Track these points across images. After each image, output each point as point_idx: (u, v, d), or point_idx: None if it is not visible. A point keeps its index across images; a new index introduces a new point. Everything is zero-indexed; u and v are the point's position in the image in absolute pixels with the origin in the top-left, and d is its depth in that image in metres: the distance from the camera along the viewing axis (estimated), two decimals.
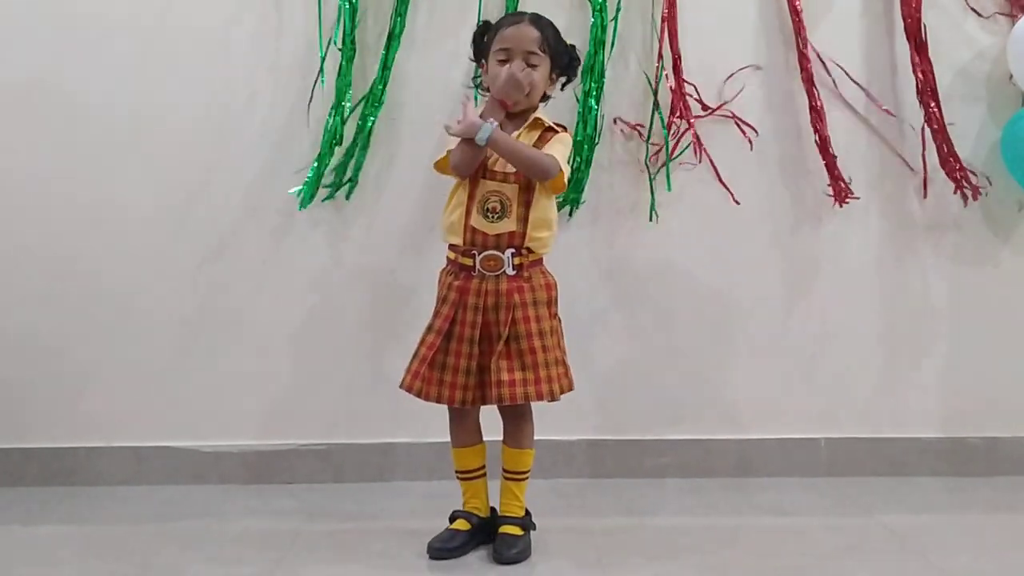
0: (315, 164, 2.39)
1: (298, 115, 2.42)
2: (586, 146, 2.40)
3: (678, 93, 2.40)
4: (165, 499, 2.37)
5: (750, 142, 2.45)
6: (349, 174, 2.41)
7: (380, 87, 2.38)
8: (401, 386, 1.96)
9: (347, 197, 2.43)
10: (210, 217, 2.45)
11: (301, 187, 2.40)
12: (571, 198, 2.42)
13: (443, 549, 1.96)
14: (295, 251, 2.46)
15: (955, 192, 2.44)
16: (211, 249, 2.45)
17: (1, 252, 2.45)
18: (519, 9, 2.33)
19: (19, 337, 2.46)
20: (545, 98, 2.02)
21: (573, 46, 2.03)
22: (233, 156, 2.44)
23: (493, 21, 2.03)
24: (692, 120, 2.40)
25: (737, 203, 2.44)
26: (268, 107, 2.42)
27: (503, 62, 1.93)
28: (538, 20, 1.97)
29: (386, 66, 2.38)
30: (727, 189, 2.45)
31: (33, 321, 2.46)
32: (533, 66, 1.92)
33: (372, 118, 2.39)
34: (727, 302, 2.49)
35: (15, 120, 2.44)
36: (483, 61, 2.01)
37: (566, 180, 1.96)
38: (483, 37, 2.01)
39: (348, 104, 2.38)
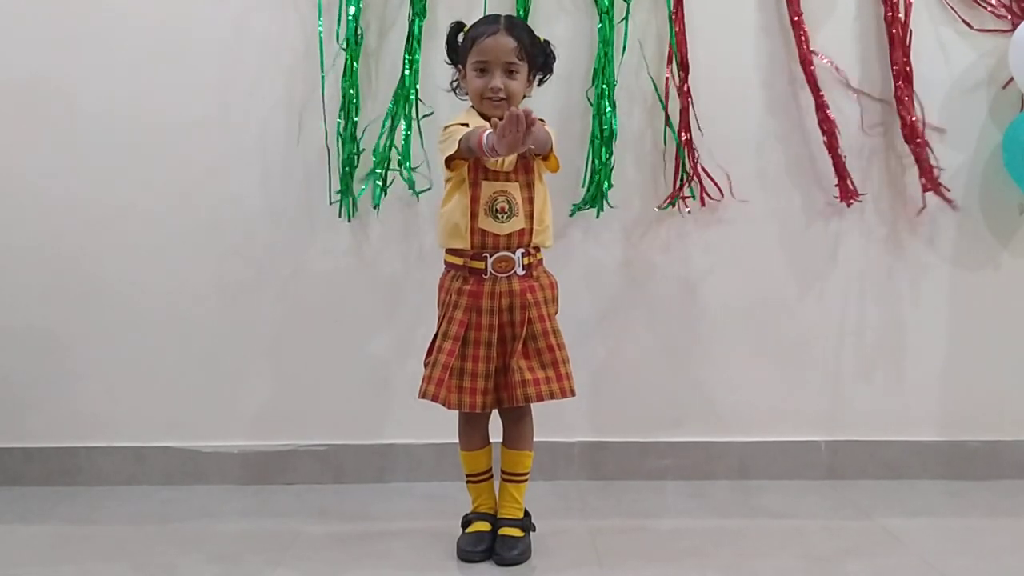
0: (343, 168, 2.39)
1: (300, 115, 2.42)
2: (604, 149, 2.40)
3: (689, 150, 2.42)
4: (165, 499, 2.37)
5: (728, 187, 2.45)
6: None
7: (413, 93, 2.38)
8: (423, 396, 1.94)
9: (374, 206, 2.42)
10: (212, 217, 2.45)
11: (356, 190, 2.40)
12: (597, 201, 2.42)
13: (475, 552, 1.96)
14: (296, 252, 2.46)
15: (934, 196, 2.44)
16: (212, 249, 2.46)
17: (2, 251, 2.45)
18: (529, 10, 2.35)
19: (20, 336, 2.47)
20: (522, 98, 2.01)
21: (547, 41, 2.00)
22: (235, 156, 2.44)
23: (466, 23, 2.00)
24: (699, 168, 2.43)
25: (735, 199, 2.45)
26: (271, 107, 2.42)
27: (482, 72, 1.92)
28: (512, 26, 1.94)
29: (412, 69, 2.37)
30: (717, 183, 2.45)
31: (34, 320, 2.46)
32: (512, 73, 1.92)
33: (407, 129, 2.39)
34: (728, 304, 2.49)
35: (18, 119, 2.44)
36: (460, 65, 2.00)
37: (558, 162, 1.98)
38: (456, 37, 2.00)
39: (356, 104, 2.38)
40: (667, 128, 2.42)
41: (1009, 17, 2.44)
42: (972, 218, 2.49)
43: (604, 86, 2.39)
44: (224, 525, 2.20)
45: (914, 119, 2.40)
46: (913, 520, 2.20)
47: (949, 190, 2.44)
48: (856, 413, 2.51)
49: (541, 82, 2.05)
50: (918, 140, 2.40)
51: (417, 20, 2.37)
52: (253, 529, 2.16)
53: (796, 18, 2.41)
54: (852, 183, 2.42)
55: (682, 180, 2.42)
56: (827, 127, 2.41)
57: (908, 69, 2.40)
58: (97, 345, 2.47)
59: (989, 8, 2.44)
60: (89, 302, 2.46)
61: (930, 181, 2.42)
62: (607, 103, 2.38)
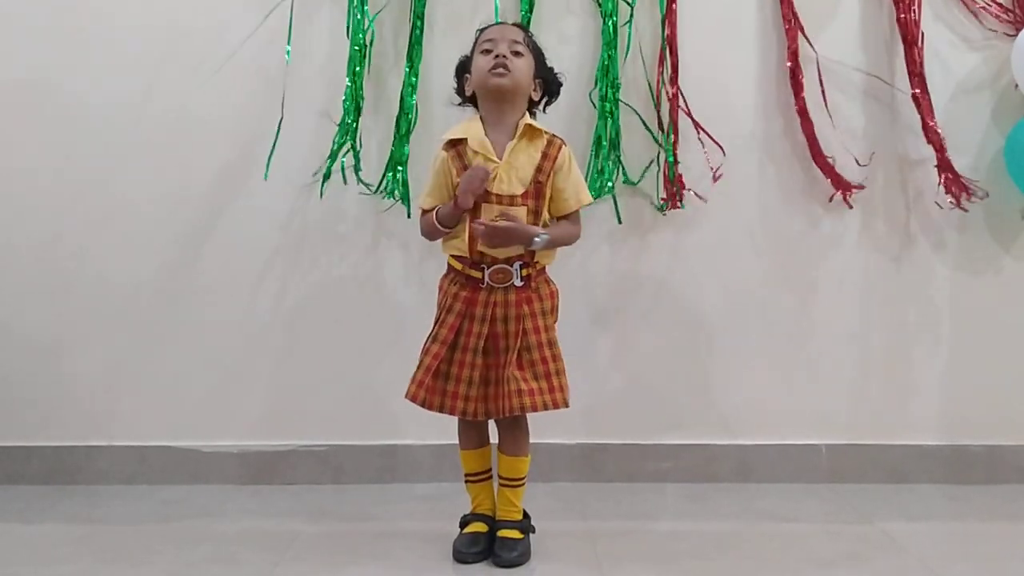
0: (331, 156, 2.39)
1: (304, 115, 2.43)
2: (613, 153, 2.40)
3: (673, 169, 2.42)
4: (165, 499, 2.37)
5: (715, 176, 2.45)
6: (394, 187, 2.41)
7: (411, 100, 2.38)
8: (406, 396, 1.95)
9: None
10: (214, 218, 2.45)
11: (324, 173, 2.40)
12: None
13: (469, 553, 1.95)
14: (297, 253, 2.46)
15: (952, 206, 2.44)
16: (213, 250, 2.46)
17: (4, 251, 2.46)
18: (533, 12, 2.37)
19: (21, 336, 2.47)
20: (532, 108, 2.00)
21: (553, 68, 2.03)
22: (237, 157, 2.44)
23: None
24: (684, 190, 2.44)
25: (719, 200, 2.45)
26: (274, 109, 2.42)
27: (487, 52, 1.92)
28: (520, 24, 2.03)
29: (413, 72, 2.38)
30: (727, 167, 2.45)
31: (35, 320, 2.46)
32: (517, 54, 1.92)
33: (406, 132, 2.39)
34: (728, 307, 2.49)
35: (21, 119, 2.44)
36: (466, 75, 1.99)
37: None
38: (464, 71, 2.00)
39: (360, 102, 2.39)
40: (660, 131, 2.43)
41: (1012, 21, 2.44)
42: (974, 222, 2.49)
43: (608, 88, 2.38)
44: (224, 525, 2.20)
45: (932, 122, 2.39)
46: (913, 524, 2.20)
47: (973, 193, 2.42)
48: (857, 417, 2.51)
49: (547, 105, 2.05)
50: (939, 142, 2.40)
51: (419, 24, 2.37)
52: (253, 529, 2.16)
53: (793, 20, 2.41)
54: (841, 179, 2.42)
55: (673, 183, 2.42)
56: (808, 130, 2.41)
57: (923, 71, 2.40)
58: (98, 344, 2.47)
59: (992, 13, 2.44)
60: (91, 301, 2.46)
61: (954, 182, 2.41)
62: (611, 105, 2.38)
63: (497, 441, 2.03)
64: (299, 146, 2.43)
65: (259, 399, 2.48)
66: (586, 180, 2.38)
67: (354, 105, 2.37)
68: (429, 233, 1.98)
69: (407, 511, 2.28)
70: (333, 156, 2.39)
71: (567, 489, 2.44)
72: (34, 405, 2.47)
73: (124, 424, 2.47)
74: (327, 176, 2.40)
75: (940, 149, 2.40)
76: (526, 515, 2.04)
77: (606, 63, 2.40)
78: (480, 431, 2.04)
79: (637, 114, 2.44)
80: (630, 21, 2.42)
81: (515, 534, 1.98)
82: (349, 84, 2.38)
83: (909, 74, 2.41)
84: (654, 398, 2.50)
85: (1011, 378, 2.51)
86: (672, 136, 2.41)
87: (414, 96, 2.39)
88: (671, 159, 2.41)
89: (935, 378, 2.51)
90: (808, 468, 2.49)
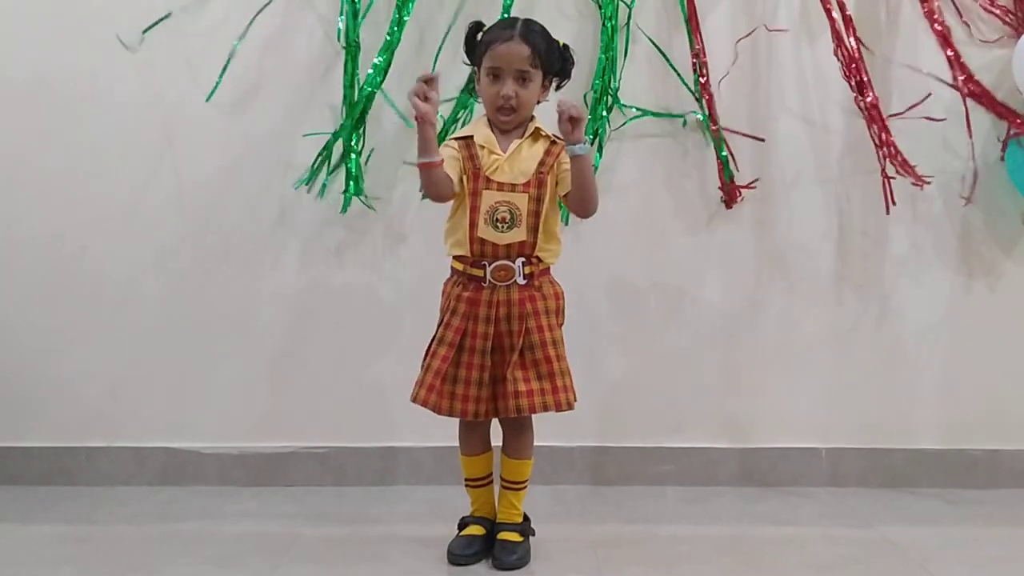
0: (320, 155, 2.40)
1: (305, 115, 2.43)
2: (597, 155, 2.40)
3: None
4: (165, 499, 2.37)
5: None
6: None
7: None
8: (415, 400, 1.94)
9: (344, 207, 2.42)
10: (214, 218, 2.45)
11: (307, 177, 2.40)
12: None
13: (463, 555, 1.95)
14: (298, 254, 2.46)
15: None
16: (214, 250, 2.46)
17: (3, 250, 2.45)
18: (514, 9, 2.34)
19: (21, 335, 2.46)
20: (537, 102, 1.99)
21: (566, 46, 1.97)
22: (238, 156, 2.44)
23: (486, 23, 1.97)
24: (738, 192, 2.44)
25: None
26: (277, 110, 2.42)
27: (495, 78, 1.90)
28: (528, 33, 1.90)
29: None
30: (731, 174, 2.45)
31: (35, 320, 2.46)
32: (524, 80, 1.90)
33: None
34: (729, 311, 2.49)
35: (20, 117, 2.44)
36: (476, 67, 1.97)
37: None
38: (474, 37, 1.96)
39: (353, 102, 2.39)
40: (705, 130, 2.43)
41: (1013, 25, 2.44)
42: (974, 226, 2.49)
43: (604, 92, 2.38)
44: (223, 526, 2.19)
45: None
46: (914, 529, 2.20)
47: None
48: (857, 420, 2.51)
49: (559, 87, 2.02)
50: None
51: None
52: (252, 530, 2.16)
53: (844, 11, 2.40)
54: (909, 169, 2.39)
55: (728, 183, 2.43)
56: (879, 120, 2.39)
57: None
58: (98, 344, 2.46)
59: (995, 16, 2.44)
60: (90, 301, 2.46)
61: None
62: (604, 110, 2.38)
63: (500, 445, 2.03)
64: (299, 147, 2.43)
65: (259, 400, 2.48)
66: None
67: (352, 108, 2.38)
68: (424, 182, 1.89)
69: (407, 513, 2.28)
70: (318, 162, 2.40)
71: (567, 492, 2.43)
72: (34, 405, 2.47)
73: (124, 424, 2.47)
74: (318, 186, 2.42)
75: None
76: (526, 518, 2.03)
77: (602, 66, 2.39)
78: (483, 437, 2.03)
79: (645, 114, 2.45)
80: (628, 23, 2.42)
81: (515, 537, 1.97)
82: (346, 86, 2.38)
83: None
84: (654, 401, 2.50)
85: (1011, 382, 2.51)
86: (715, 135, 2.41)
87: None
88: (725, 161, 2.41)
89: (936, 382, 2.51)
90: (808, 472, 2.49)
